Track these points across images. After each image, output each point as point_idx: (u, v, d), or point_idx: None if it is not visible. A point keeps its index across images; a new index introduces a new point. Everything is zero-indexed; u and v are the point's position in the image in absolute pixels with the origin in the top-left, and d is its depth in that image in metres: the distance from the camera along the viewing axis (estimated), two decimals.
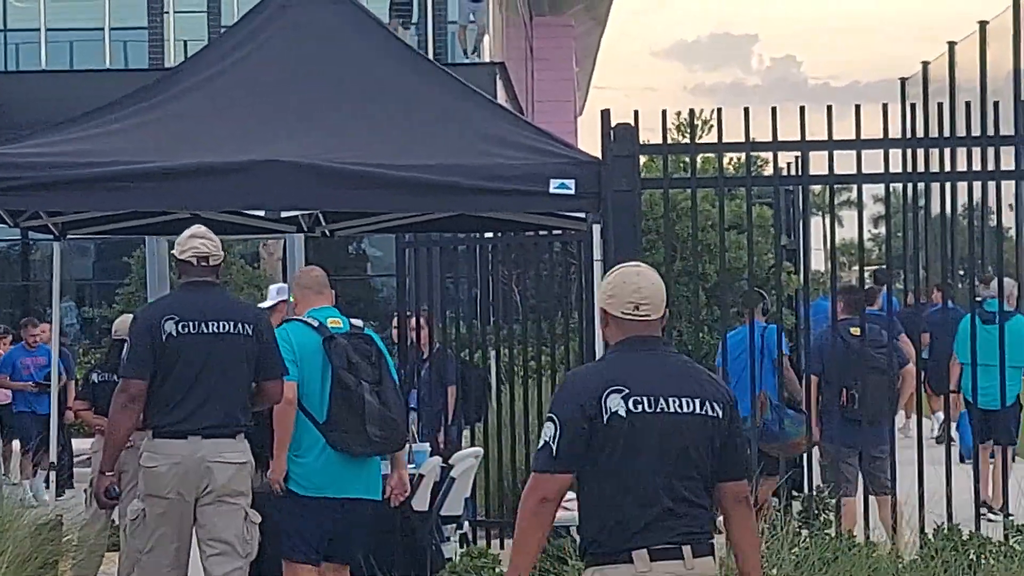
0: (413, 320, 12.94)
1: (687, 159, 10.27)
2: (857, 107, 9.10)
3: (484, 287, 13.48)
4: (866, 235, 9.60)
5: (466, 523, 11.12)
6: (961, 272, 20.17)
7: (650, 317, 5.31)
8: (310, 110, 9.06)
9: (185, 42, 28.45)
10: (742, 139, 9.18)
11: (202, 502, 7.80)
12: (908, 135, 10.20)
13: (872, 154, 9.19)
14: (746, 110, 9.03)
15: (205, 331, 7.83)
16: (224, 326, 7.87)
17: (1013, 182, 9.81)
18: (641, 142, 9.00)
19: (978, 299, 10.61)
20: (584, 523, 5.27)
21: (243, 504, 7.87)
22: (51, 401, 11.64)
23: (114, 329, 11.26)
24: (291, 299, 9.45)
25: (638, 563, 5.12)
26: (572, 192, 8.53)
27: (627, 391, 5.16)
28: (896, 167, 9.32)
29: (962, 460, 12.83)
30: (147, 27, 29.06)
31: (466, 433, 13.18)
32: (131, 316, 8.57)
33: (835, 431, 10.34)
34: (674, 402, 5.19)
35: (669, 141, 9.53)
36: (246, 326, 7.91)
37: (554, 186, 8.52)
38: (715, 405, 5.24)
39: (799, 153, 9.73)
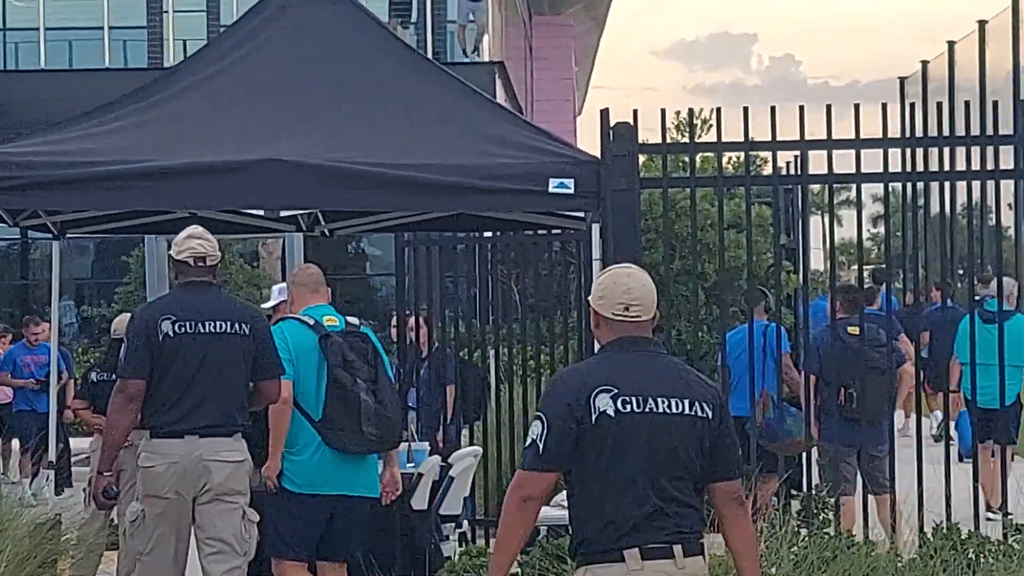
0: (412, 319, 12.95)
1: (686, 158, 10.28)
2: (856, 106, 9.10)
3: (483, 286, 13.50)
4: (865, 234, 9.60)
5: (465, 522, 11.12)
6: (960, 271, 20.18)
7: (640, 318, 5.33)
8: (309, 110, 9.06)
9: (184, 41, 28.45)
10: (741, 139, 9.18)
11: (200, 501, 7.80)
12: (907, 134, 10.19)
13: (871, 153, 9.20)
14: (745, 109, 9.03)
15: (202, 331, 7.84)
16: (221, 326, 7.88)
17: (1012, 181, 9.80)
18: (640, 141, 9.00)
19: (977, 298, 10.62)
20: (575, 522, 5.29)
21: (241, 503, 7.88)
22: (50, 400, 11.64)
23: (113, 328, 11.26)
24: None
25: (630, 562, 5.13)
26: (571, 191, 8.53)
27: (616, 391, 5.18)
28: (895, 166, 9.33)
29: (960, 459, 12.82)
30: (146, 26, 29.06)
31: (465, 432, 13.19)
32: (129, 315, 8.57)
33: (834, 430, 10.34)
34: (663, 402, 5.21)
35: (668, 140, 9.53)
36: (243, 326, 7.92)
37: (553, 185, 8.53)
38: (704, 406, 5.25)
39: (798, 152, 9.74)
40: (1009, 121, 9.32)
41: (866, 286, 13.09)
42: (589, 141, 9.12)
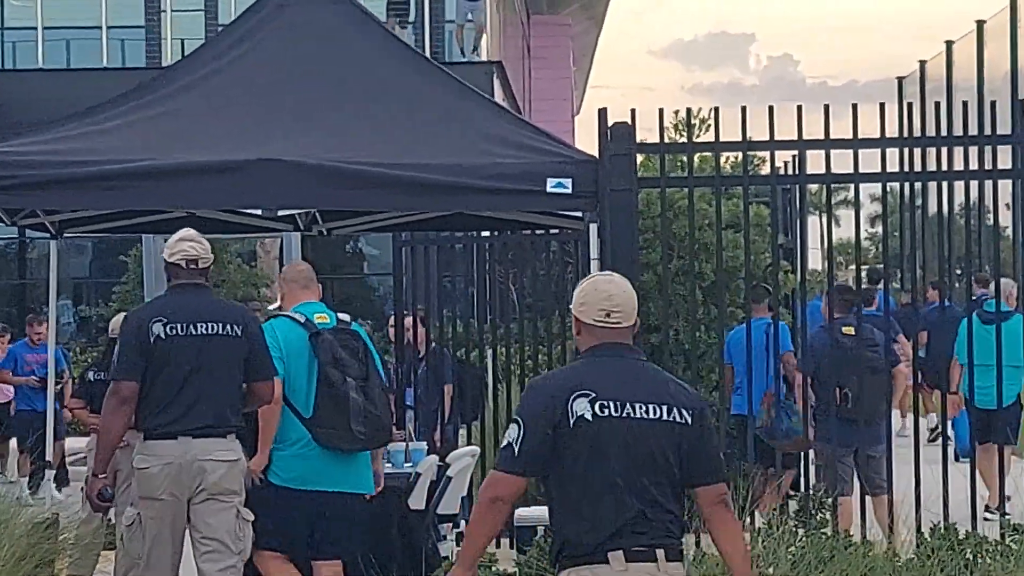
0: (409, 319, 12.95)
1: (684, 158, 10.28)
2: (854, 106, 9.11)
3: (481, 286, 13.49)
4: (863, 234, 9.60)
5: (463, 522, 11.11)
6: (958, 271, 20.18)
7: (621, 324, 5.35)
8: (308, 109, 9.06)
9: (182, 41, 28.46)
10: (739, 138, 9.19)
11: (195, 501, 7.82)
12: (905, 134, 10.21)
13: (869, 153, 9.20)
14: (743, 109, 9.04)
15: (194, 333, 7.86)
16: (213, 327, 7.90)
17: (1010, 181, 9.80)
18: (638, 141, 9.00)
19: (975, 298, 10.62)
20: (556, 526, 5.31)
21: (235, 503, 7.90)
22: (48, 399, 11.64)
23: (110, 328, 11.26)
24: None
25: (614, 563, 5.16)
26: (569, 191, 8.53)
27: (594, 395, 5.20)
28: (893, 166, 9.33)
29: (957, 459, 12.84)
30: (144, 26, 29.08)
31: (462, 432, 13.19)
32: (124, 316, 8.59)
33: (830, 431, 10.33)
34: (641, 408, 5.23)
35: (666, 140, 9.53)
36: (235, 327, 7.94)
37: (551, 185, 8.53)
38: (683, 412, 5.27)
39: (796, 152, 9.77)
40: (1007, 121, 9.33)
41: (864, 287, 13.10)
42: (587, 141, 9.15)
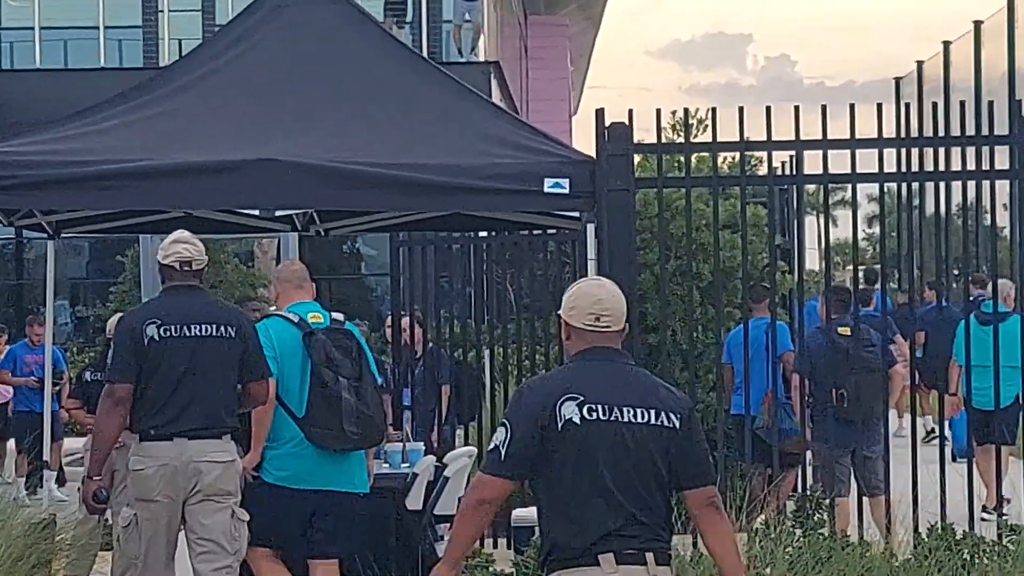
0: (406, 319, 12.94)
1: (681, 158, 10.27)
2: (852, 107, 9.10)
3: (478, 286, 13.48)
4: (860, 234, 9.60)
5: None
6: (955, 272, 20.19)
7: (610, 328, 5.35)
8: (306, 109, 9.06)
9: (180, 41, 28.45)
10: (736, 139, 9.18)
11: (190, 502, 7.83)
12: (903, 135, 10.20)
13: (867, 154, 9.20)
14: (740, 109, 9.03)
15: (188, 334, 7.86)
16: (207, 329, 7.90)
17: (1008, 182, 9.79)
18: (635, 141, 9.00)
19: (972, 299, 10.61)
20: (544, 529, 5.33)
21: (231, 503, 7.91)
22: (44, 400, 11.64)
23: (108, 328, 11.24)
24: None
25: (604, 566, 5.17)
26: (566, 191, 8.53)
27: (582, 399, 5.22)
28: (891, 167, 9.33)
29: (954, 459, 12.83)
30: (142, 26, 29.06)
31: (459, 432, 13.18)
32: (119, 316, 8.59)
33: (827, 431, 10.33)
34: (629, 412, 5.24)
35: (664, 140, 9.53)
36: (229, 328, 7.95)
37: (548, 185, 8.52)
38: (671, 416, 5.28)
39: (794, 153, 9.76)
40: (1004, 121, 9.33)
41: (861, 287, 13.10)
42: (585, 141, 9.15)
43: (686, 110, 9.84)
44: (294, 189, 8.58)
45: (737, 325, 11.57)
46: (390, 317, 13.64)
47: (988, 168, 9.29)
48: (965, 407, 12.76)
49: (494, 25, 32.14)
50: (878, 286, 12.79)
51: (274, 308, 10.64)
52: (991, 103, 9.38)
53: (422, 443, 10.87)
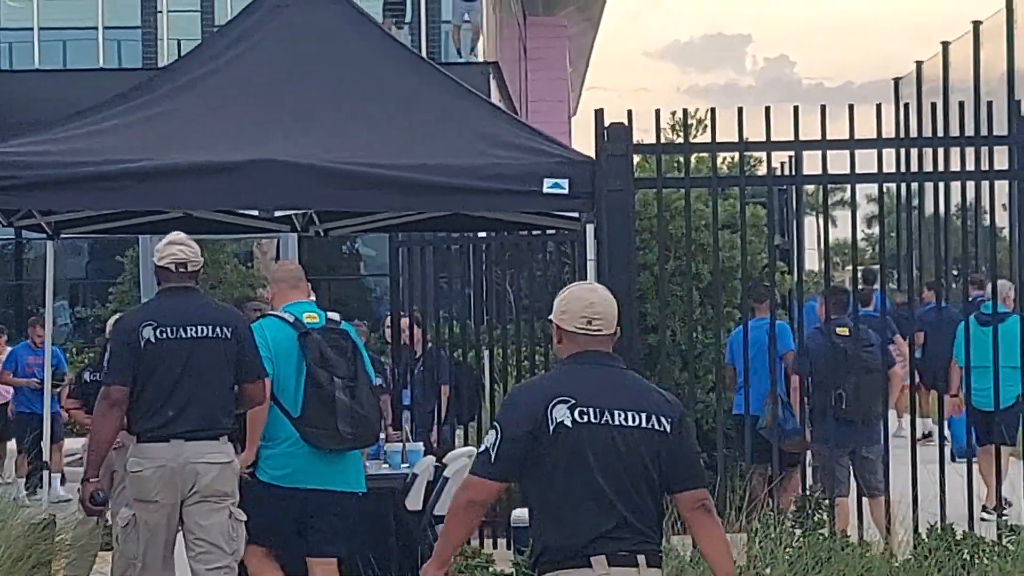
0: (406, 320, 12.94)
1: (681, 159, 10.28)
2: (851, 107, 9.11)
3: (478, 287, 13.47)
4: (860, 235, 9.60)
5: None
6: (955, 272, 20.20)
7: (602, 332, 5.38)
8: (306, 109, 9.06)
9: (179, 41, 28.46)
10: (736, 139, 9.18)
11: (188, 503, 7.84)
12: (902, 135, 10.20)
13: (866, 154, 9.20)
14: (740, 110, 9.04)
15: (184, 336, 7.87)
16: (203, 330, 7.91)
17: (1007, 182, 9.79)
18: (635, 142, 9.00)
19: (971, 299, 10.61)
20: (536, 531, 5.35)
21: (228, 504, 7.92)
22: (44, 401, 11.64)
23: (107, 328, 11.25)
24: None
25: (596, 567, 5.19)
26: (566, 192, 8.53)
27: (573, 402, 5.24)
28: (890, 167, 9.33)
29: (953, 459, 12.83)
30: (141, 27, 29.07)
31: (459, 433, 13.18)
32: (117, 317, 8.60)
33: (826, 432, 10.33)
34: (620, 415, 5.26)
35: (663, 141, 9.53)
36: (225, 329, 7.95)
37: (548, 186, 8.53)
38: (662, 419, 5.30)
39: (793, 153, 9.75)
40: (1004, 121, 9.33)
41: (861, 288, 13.10)
42: (584, 142, 9.14)
43: (685, 111, 9.85)
44: (293, 189, 8.58)
45: (737, 325, 11.57)
46: (389, 318, 13.63)
47: (987, 168, 9.29)
48: (966, 408, 12.77)
49: (493, 26, 32.14)
50: (877, 286, 12.80)
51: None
52: (990, 103, 9.39)
53: (421, 443, 10.87)
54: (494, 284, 13.49)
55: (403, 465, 9.96)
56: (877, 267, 10.85)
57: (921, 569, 8.39)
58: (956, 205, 10.18)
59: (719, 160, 10.64)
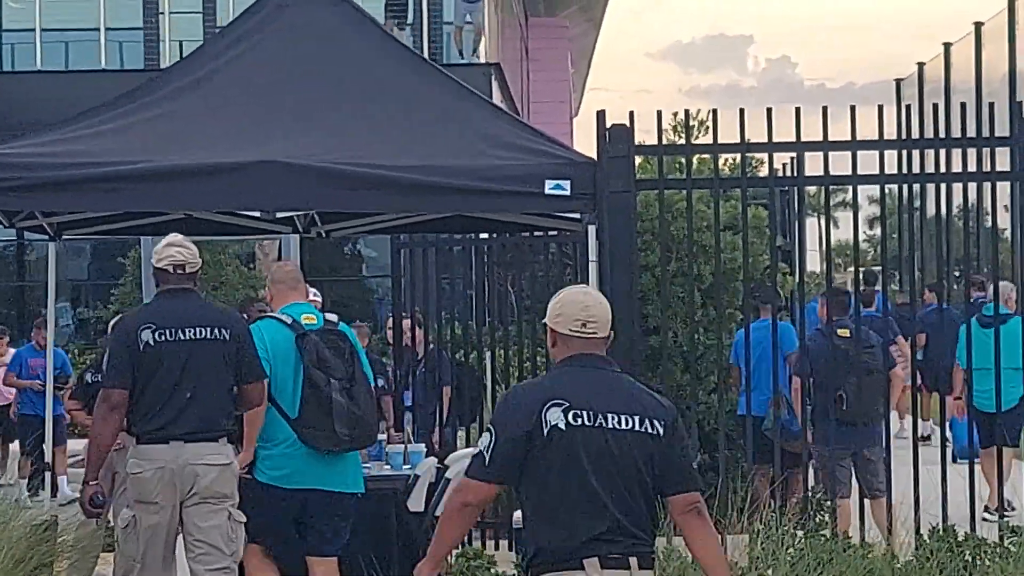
0: (407, 321, 12.94)
1: (682, 160, 10.28)
2: (852, 108, 9.11)
3: (479, 288, 13.48)
4: (861, 236, 9.60)
5: None
6: (956, 273, 20.20)
7: (597, 335, 5.40)
8: (307, 110, 9.06)
9: (180, 43, 28.45)
10: (737, 140, 9.18)
11: (187, 504, 7.85)
12: (904, 136, 10.20)
13: (867, 155, 9.20)
14: (741, 111, 9.04)
15: (183, 338, 7.88)
16: (201, 332, 7.92)
17: (1008, 183, 9.80)
18: (636, 143, 9.00)
19: (972, 301, 10.61)
20: (529, 533, 5.36)
21: (227, 505, 7.93)
22: (46, 403, 11.64)
23: (109, 329, 11.25)
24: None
25: (589, 570, 5.21)
26: (567, 193, 8.53)
27: (567, 404, 5.26)
28: (892, 168, 9.33)
29: (955, 460, 12.83)
30: (142, 28, 29.07)
31: (461, 434, 13.18)
32: (118, 318, 8.61)
33: (828, 433, 10.34)
34: (613, 418, 5.28)
35: (665, 142, 9.54)
36: (223, 331, 7.96)
37: (549, 187, 8.53)
38: (655, 423, 5.32)
39: (794, 154, 9.76)
40: (1005, 123, 9.33)
41: (863, 289, 13.10)
42: (586, 143, 9.16)
43: (687, 112, 9.86)
44: (295, 190, 8.58)
45: (739, 327, 11.57)
46: (391, 319, 13.63)
47: (989, 170, 9.30)
48: (967, 409, 12.76)
49: (495, 27, 32.15)
50: (879, 287, 12.79)
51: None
52: (992, 104, 9.39)
53: (423, 445, 10.87)
54: (496, 285, 13.50)
55: (405, 466, 9.96)
56: (879, 268, 10.85)
57: (923, 570, 8.39)
58: (958, 206, 10.17)
59: (721, 161, 10.64)
